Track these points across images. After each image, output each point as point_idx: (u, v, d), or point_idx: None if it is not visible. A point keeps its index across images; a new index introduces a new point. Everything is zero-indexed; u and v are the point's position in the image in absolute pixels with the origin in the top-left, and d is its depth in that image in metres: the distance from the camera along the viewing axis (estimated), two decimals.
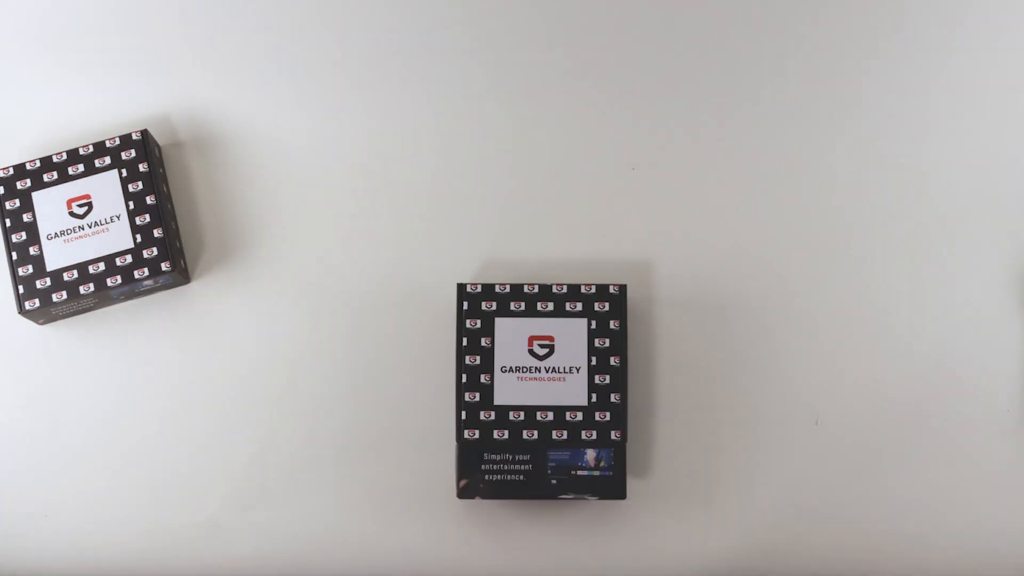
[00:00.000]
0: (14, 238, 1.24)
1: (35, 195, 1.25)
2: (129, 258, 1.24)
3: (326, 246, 1.29)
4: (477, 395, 1.17)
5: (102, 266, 1.23)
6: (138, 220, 1.25)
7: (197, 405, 1.25)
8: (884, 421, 1.25)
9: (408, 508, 1.24)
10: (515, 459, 1.16)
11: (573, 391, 1.17)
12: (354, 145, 1.31)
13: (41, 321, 1.27)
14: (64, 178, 1.26)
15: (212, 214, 1.30)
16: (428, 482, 1.24)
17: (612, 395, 1.17)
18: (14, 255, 1.24)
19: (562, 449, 1.16)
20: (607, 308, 1.18)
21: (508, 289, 1.19)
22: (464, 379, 1.17)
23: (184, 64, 1.33)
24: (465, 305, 1.19)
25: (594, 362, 1.17)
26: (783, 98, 1.32)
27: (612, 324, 1.19)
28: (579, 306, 1.19)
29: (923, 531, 1.23)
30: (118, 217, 1.25)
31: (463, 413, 1.16)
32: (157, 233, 1.24)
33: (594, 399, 1.16)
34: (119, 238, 1.24)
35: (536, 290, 1.19)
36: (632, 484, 1.22)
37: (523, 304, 1.19)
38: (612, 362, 1.17)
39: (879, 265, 1.28)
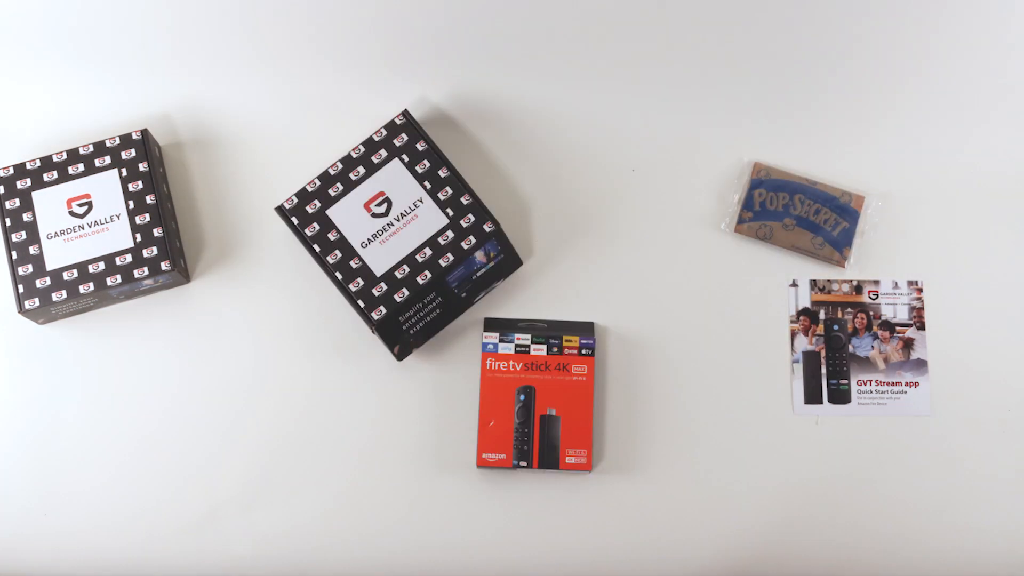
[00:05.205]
0: (14, 238, 1.24)
1: (35, 195, 1.25)
2: (129, 257, 1.24)
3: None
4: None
5: (102, 265, 1.23)
6: (138, 220, 1.25)
7: (197, 404, 1.25)
8: (884, 420, 1.25)
9: (408, 505, 1.24)
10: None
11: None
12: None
13: (41, 321, 1.27)
14: (64, 178, 1.26)
15: (212, 214, 1.30)
16: (431, 476, 1.24)
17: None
18: (14, 255, 1.24)
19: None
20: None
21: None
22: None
23: (184, 64, 1.33)
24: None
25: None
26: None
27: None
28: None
29: (923, 531, 1.23)
30: (118, 216, 1.25)
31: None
32: (157, 233, 1.24)
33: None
34: (119, 237, 1.24)
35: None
36: (629, 481, 1.23)
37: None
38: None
39: (885, 266, 1.29)
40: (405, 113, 1.25)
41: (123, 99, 1.33)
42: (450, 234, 1.21)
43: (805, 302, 1.28)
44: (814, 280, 1.29)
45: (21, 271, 1.23)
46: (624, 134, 1.32)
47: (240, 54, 1.33)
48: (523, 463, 1.21)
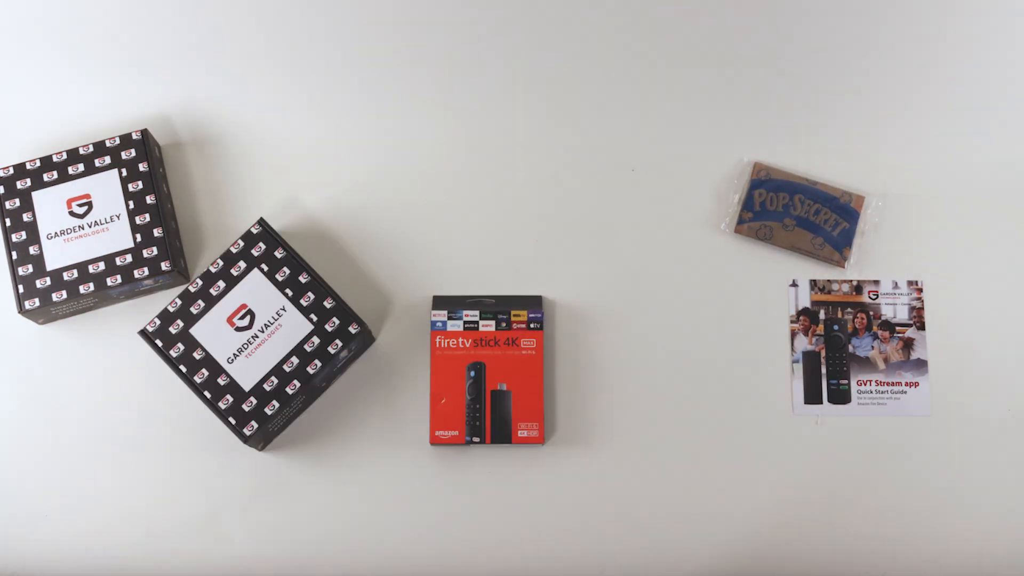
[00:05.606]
0: (14, 238, 1.24)
1: (35, 195, 1.25)
2: (129, 258, 1.24)
3: (325, 245, 1.29)
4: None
5: (102, 265, 1.23)
6: (138, 220, 1.24)
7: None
8: (884, 421, 1.25)
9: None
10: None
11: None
12: (353, 145, 1.32)
13: (41, 321, 1.26)
14: (64, 178, 1.26)
15: (212, 214, 1.30)
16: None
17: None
18: (14, 255, 1.24)
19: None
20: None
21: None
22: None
23: (184, 64, 1.33)
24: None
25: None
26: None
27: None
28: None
29: (923, 531, 1.23)
30: (118, 217, 1.25)
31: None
32: (157, 233, 1.24)
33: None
34: (119, 238, 1.24)
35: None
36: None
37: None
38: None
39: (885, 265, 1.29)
40: (261, 222, 1.23)
41: (123, 99, 1.32)
42: (316, 340, 1.20)
43: (805, 302, 1.28)
44: (814, 280, 1.29)
45: (21, 271, 1.23)
46: (624, 134, 1.32)
47: (240, 54, 1.33)
48: (476, 439, 1.22)
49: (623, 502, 1.24)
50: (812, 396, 1.26)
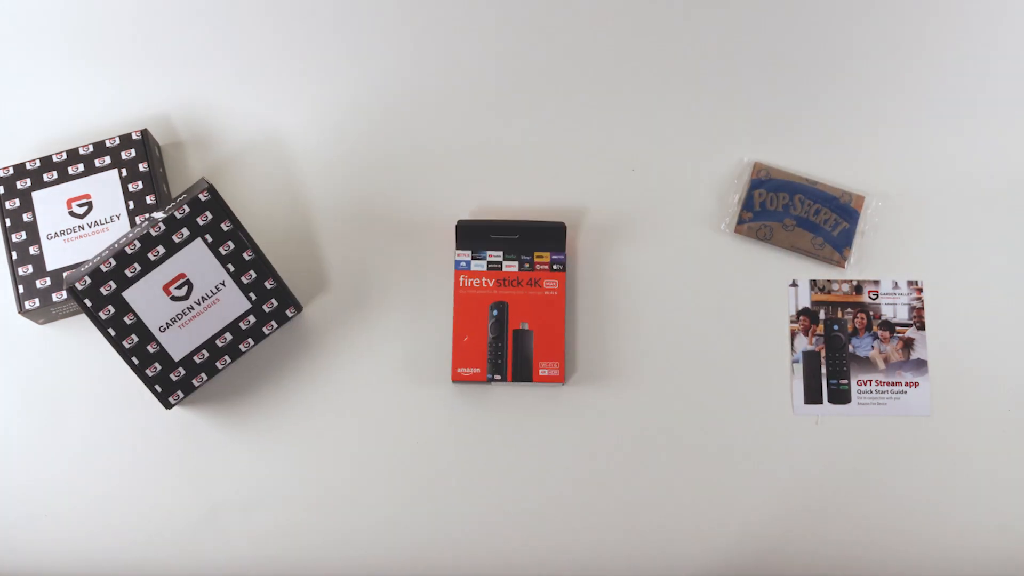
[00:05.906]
0: (14, 238, 1.24)
1: (35, 195, 1.25)
2: None
3: (324, 245, 1.29)
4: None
5: None
6: (138, 220, 1.24)
7: (197, 404, 1.25)
8: (884, 421, 1.25)
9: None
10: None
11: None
12: (353, 146, 1.32)
13: (41, 321, 1.26)
14: (64, 178, 1.26)
15: None
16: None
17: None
18: (14, 255, 1.24)
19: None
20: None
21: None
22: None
23: (184, 64, 1.33)
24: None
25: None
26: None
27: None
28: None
29: (923, 531, 1.23)
30: (118, 217, 1.25)
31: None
32: None
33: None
34: (119, 237, 1.24)
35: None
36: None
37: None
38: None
39: (884, 265, 1.29)
40: (210, 189, 1.18)
41: (123, 99, 1.33)
42: (252, 319, 1.20)
43: (805, 302, 1.28)
44: (814, 280, 1.29)
45: (21, 271, 1.23)
46: (624, 134, 1.32)
47: (240, 54, 1.33)
48: (497, 376, 1.23)
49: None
50: (812, 396, 1.26)
